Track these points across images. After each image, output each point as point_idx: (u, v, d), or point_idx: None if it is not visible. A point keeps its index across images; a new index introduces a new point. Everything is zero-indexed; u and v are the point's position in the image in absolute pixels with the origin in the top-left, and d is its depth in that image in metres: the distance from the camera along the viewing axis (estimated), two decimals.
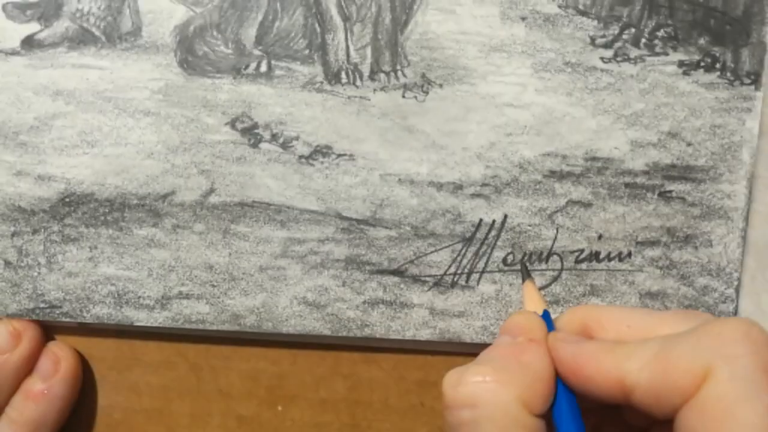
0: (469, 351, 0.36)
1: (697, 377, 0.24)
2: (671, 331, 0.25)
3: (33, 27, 0.35)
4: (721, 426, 0.23)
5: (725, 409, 0.23)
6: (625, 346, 0.26)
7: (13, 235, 0.36)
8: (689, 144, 0.35)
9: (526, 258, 0.36)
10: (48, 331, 0.38)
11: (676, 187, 0.35)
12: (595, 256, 0.36)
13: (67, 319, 0.36)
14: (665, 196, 0.35)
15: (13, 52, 0.35)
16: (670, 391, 0.24)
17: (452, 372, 0.26)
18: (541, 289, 0.36)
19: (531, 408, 0.25)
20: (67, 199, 0.36)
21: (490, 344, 0.35)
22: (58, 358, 0.37)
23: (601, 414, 0.29)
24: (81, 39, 0.35)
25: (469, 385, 0.25)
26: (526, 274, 0.32)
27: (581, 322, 0.28)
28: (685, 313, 0.28)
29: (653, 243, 0.36)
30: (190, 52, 0.35)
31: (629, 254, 0.36)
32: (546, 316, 0.29)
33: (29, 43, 0.35)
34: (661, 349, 0.25)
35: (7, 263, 0.36)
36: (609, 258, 0.36)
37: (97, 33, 0.35)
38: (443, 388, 0.26)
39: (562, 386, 0.26)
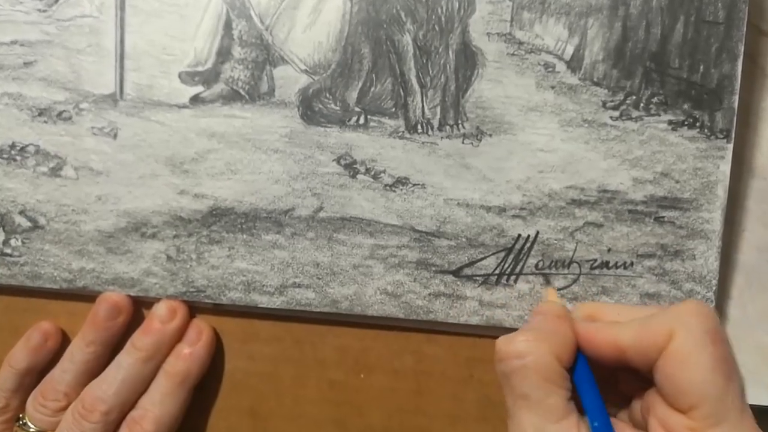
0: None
1: (666, 337, 0.31)
2: (644, 316, 0.33)
3: (198, 88, 0.42)
4: (682, 367, 0.30)
5: (684, 356, 0.31)
6: (619, 324, 0.33)
7: (174, 237, 0.42)
8: (677, 181, 0.39)
9: (552, 264, 0.41)
10: (192, 310, 0.43)
11: (667, 214, 0.40)
12: (605, 264, 0.40)
13: (209, 301, 0.42)
14: (659, 220, 0.40)
15: (184, 106, 0.42)
16: (649, 348, 0.31)
17: (504, 336, 0.32)
18: (562, 288, 0.41)
19: (560, 360, 0.31)
20: (214, 212, 0.41)
21: None
22: (201, 329, 0.43)
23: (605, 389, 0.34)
24: (231, 97, 0.41)
25: (518, 342, 0.31)
26: (548, 283, 0.38)
27: (589, 312, 0.36)
28: (652, 306, 0.36)
29: (650, 255, 0.40)
30: (308, 108, 0.41)
31: (632, 264, 0.40)
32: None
33: (195, 100, 0.42)
34: (642, 322, 0.32)
35: (169, 257, 0.42)
36: (616, 266, 0.40)
37: (243, 93, 0.41)
38: (498, 347, 0.32)
39: (581, 355, 0.33)
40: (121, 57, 0.42)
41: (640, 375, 0.32)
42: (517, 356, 0.31)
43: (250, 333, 0.44)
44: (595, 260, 0.40)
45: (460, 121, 0.40)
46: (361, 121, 0.41)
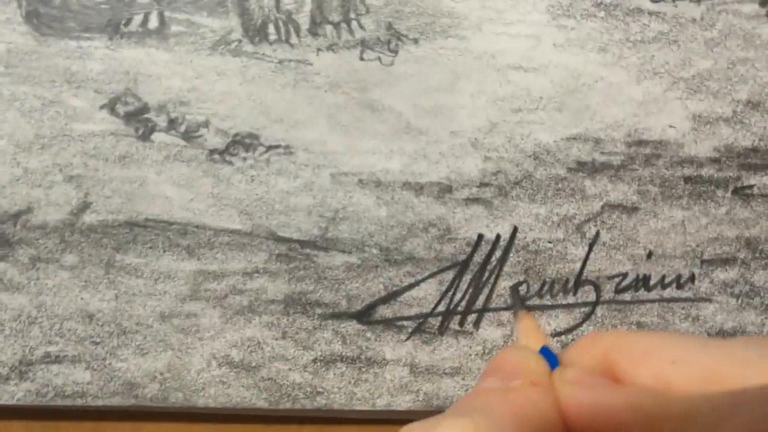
0: None
1: None
2: (754, 373, 0.21)
3: None
4: None
5: None
6: (688, 405, 0.21)
7: None
8: None
9: (545, 288, 0.30)
10: None
11: (758, 181, 0.32)
12: (643, 282, 0.32)
13: None
14: (743, 193, 0.32)
15: None
16: None
17: (415, 426, 0.22)
18: (569, 331, 0.31)
19: None
20: None
21: None
22: None
23: None
24: None
25: None
26: (518, 303, 0.30)
27: (603, 356, 0.24)
28: (759, 341, 0.24)
29: (726, 261, 0.32)
30: (41, 2, 0.32)
31: (692, 278, 0.32)
32: (546, 352, 0.25)
33: None
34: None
35: None
36: (663, 284, 0.32)
37: None
38: None
39: None
40: None
41: None
42: None
43: None
44: (625, 275, 0.32)
45: (353, 15, 0.33)
46: (153, 23, 0.33)
